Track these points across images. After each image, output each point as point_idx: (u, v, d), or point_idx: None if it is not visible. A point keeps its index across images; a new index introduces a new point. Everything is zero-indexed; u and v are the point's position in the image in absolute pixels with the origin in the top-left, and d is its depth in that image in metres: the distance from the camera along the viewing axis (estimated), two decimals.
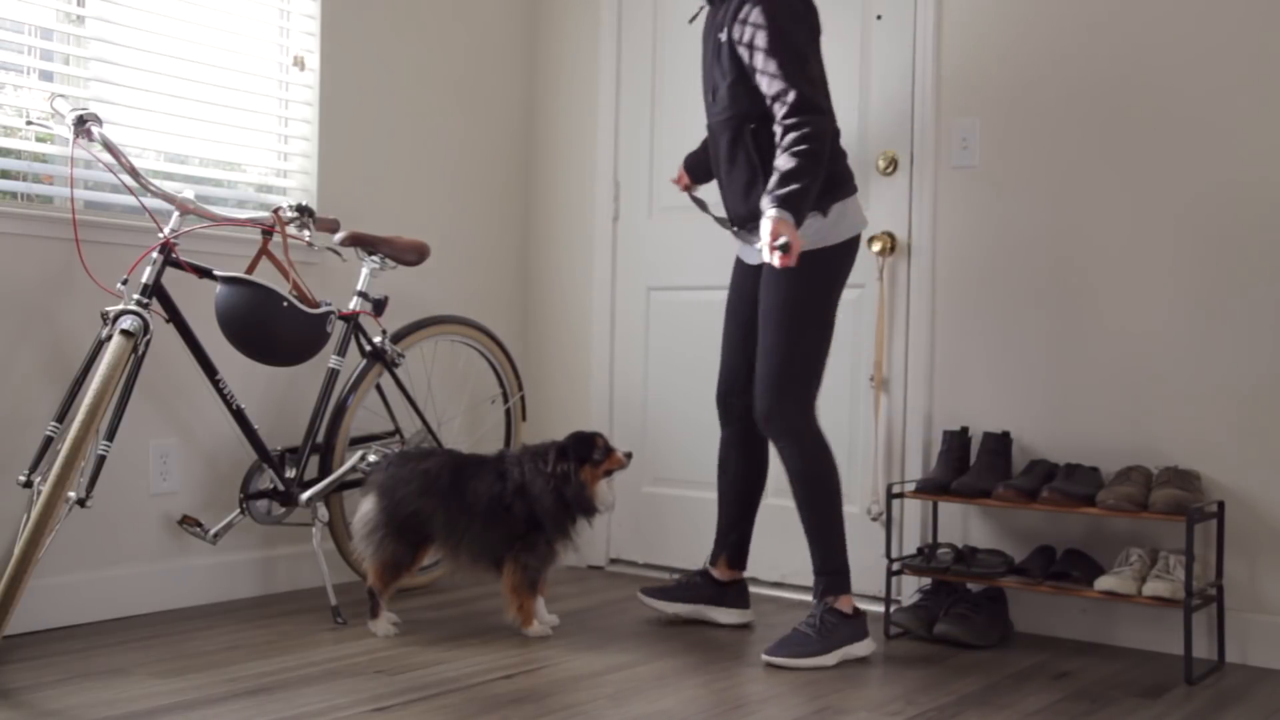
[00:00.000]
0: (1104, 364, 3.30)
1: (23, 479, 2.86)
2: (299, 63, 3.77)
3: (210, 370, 3.17)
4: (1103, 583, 3.00)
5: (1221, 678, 2.95)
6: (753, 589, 3.64)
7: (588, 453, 3.14)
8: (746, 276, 3.27)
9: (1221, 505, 3.05)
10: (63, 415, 2.87)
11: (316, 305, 3.15)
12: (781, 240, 2.82)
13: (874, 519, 3.58)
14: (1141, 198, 3.25)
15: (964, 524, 3.48)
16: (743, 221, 3.16)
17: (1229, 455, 3.11)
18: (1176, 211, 3.20)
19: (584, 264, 4.26)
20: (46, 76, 3.23)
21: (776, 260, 2.83)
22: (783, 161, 2.90)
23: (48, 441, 2.86)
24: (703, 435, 3.80)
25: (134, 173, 3.01)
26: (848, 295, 3.64)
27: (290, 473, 3.37)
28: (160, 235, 3.02)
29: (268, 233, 3.20)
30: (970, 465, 3.36)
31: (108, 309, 2.91)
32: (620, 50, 4.23)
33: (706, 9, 3.24)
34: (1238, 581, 3.09)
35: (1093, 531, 3.29)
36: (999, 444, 3.34)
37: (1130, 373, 3.26)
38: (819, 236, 3.05)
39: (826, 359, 3.12)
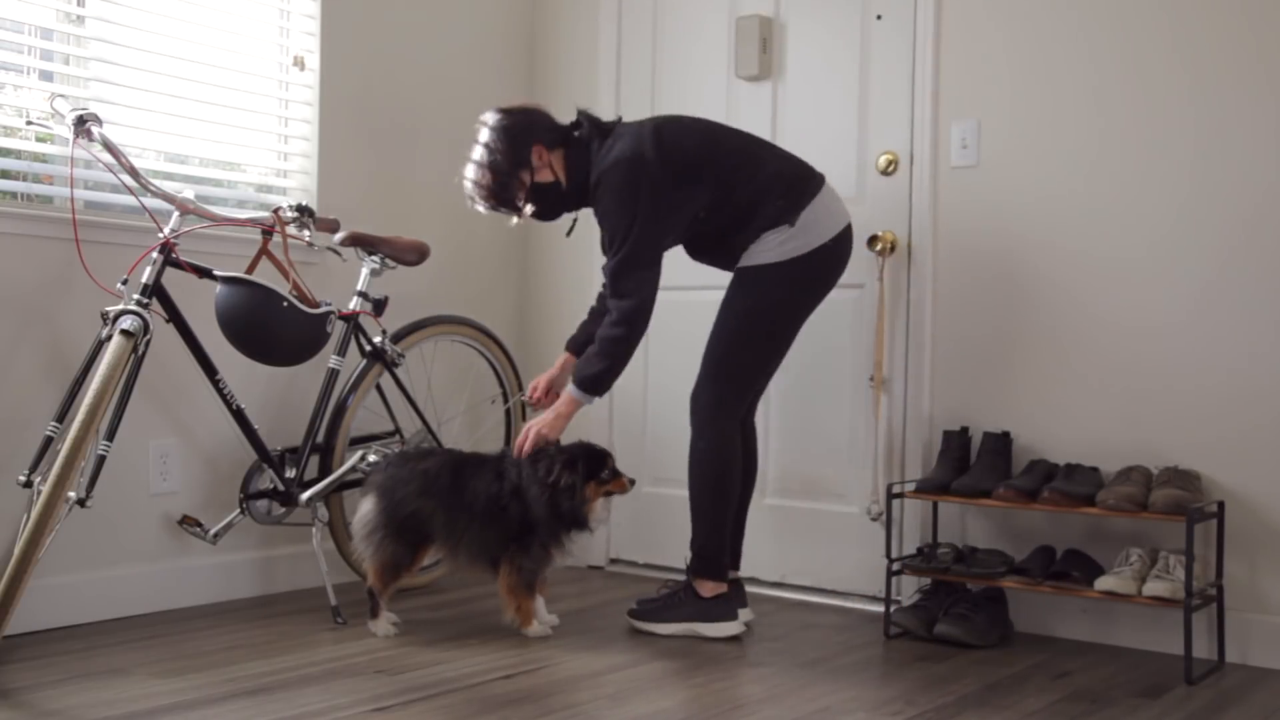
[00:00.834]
0: (1104, 364, 3.30)
1: (23, 479, 2.86)
2: (299, 63, 3.77)
3: (210, 370, 3.17)
4: (1103, 583, 3.00)
5: (1221, 678, 2.95)
6: (753, 589, 3.65)
7: (596, 470, 3.12)
8: None
9: (1221, 505, 3.05)
10: (63, 415, 2.87)
11: (316, 305, 3.15)
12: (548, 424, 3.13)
13: (874, 519, 3.58)
14: (1141, 197, 3.25)
15: (964, 524, 3.48)
16: (733, 266, 3.29)
17: (1229, 455, 3.11)
18: (1176, 211, 3.20)
19: (584, 264, 4.26)
20: (46, 76, 3.23)
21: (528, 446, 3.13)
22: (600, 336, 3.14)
23: (48, 441, 2.86)
24: None
25: (134, 173, 3.01)
26: (848, 295, 3.66)
27: (290, 473, 3.37)
28: (160, 235, 3.02)
29: (268, 233, 3.20)
30: (970, 465, 3.36)
31: (108, 309, 2.90)
32: (620, 50, 4.23)
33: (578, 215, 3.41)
34: (1238, 581, 3.09)
35: (1093, 531, 3.29)
36: (999, 444, 3.34)
37: (1130, 373, 3.26)
38: (793, 246, 3.15)
39: (771, 370, 3.30)
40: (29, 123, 3.13)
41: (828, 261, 3.21)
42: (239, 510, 3.33)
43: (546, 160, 3.18)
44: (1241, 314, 3.11)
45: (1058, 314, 3.37)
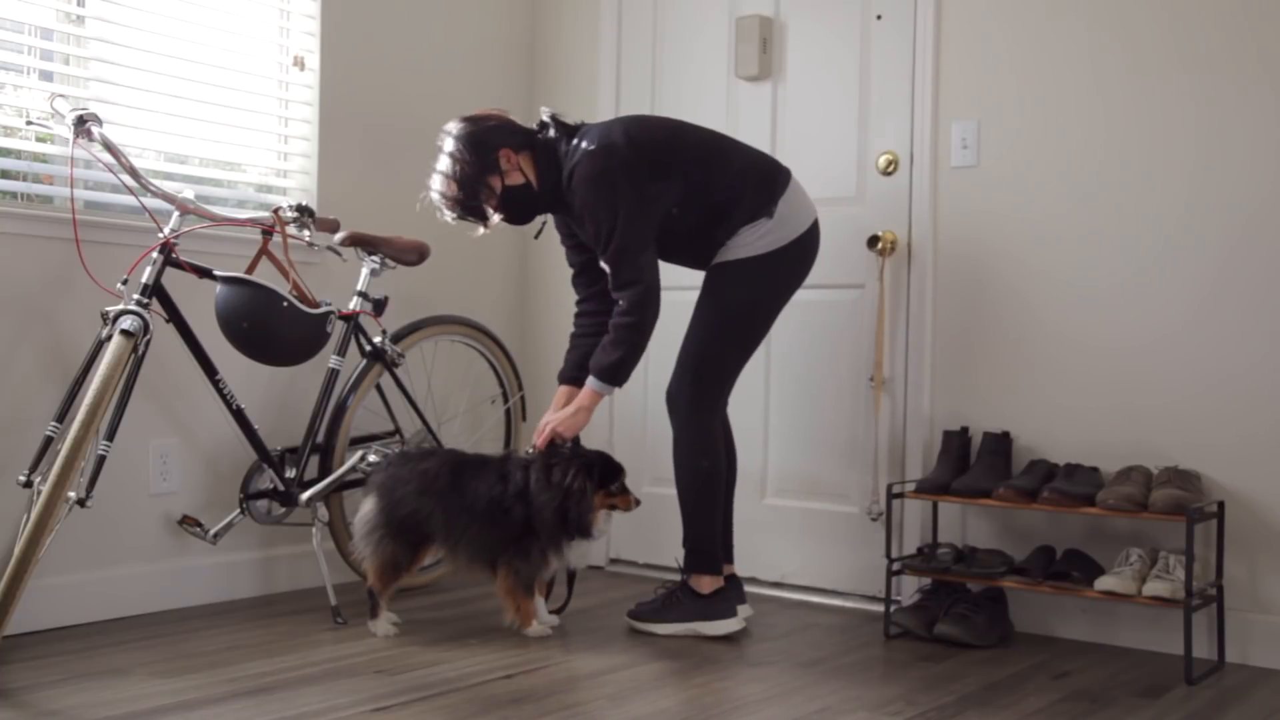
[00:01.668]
0: (1104, 364, 3.29)
1: (23, 479, 2.86)
2: (299, 63, 3.77)
3: (210, 370, 3.17)
4: (1103, 583, 3.00)
5: (1221, 678, 2.95)
6: (753, 589, 3.65)
7: (610, 480, 3.12)
8: None
9: (1221, 505, 3.05)
10: (63, 415, 2.87)
11: (316, 305, 3.15)
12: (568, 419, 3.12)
13: (874, 519, 3.58)
14: (1142, 198, 3.25)
15: (964, 524, 3.48)
16: (706, 264, 3.29)
17: (1229, 455, 3.11)
18: (1177, 211, 3.20)
19: None
20: (46, 76, 3.23)
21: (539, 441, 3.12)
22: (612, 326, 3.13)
23: (48, 441, 2.86)
24: None
25: (134, 173, 3.01)
26: (848, 295, 3.66)
27: (290, 473, 3.37)
28: (160, 235, 3.02)
29: (268, 233, 3.20)
30: (970, 465, 3.36)
31: (108, 309, 2.91)
32: (620, 50, 4.23)
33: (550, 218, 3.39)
34: (1238, 581, 3.09)
35: (1093, 531, 3.29)
36: (999, 444, 3.34)
37: (1130, 372, 3.26)
38: (774, 238, 3.18)
39: (746, 362, 3.30)
40: (29, 123, 3.13)
41: (809, 251, 3.26)
42: (239, 510, 3.33)
43: (515, 163, 3.18)
44: (1243, 313, 3.11)
45: (1058, 314, 3.37)
